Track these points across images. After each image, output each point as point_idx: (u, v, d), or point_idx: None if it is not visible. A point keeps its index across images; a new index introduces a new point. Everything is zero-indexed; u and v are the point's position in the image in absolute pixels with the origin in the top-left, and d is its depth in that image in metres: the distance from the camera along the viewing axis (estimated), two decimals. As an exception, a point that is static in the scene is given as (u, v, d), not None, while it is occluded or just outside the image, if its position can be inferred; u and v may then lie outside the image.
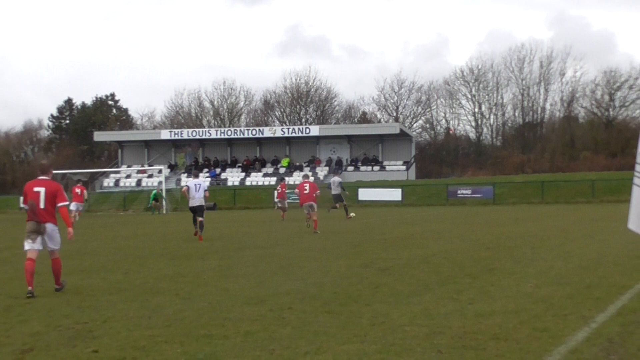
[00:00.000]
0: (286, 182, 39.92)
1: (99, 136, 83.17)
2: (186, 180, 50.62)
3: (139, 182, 73.39)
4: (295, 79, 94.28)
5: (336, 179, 37.48)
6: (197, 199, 22.23)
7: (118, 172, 75.89)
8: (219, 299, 10.11)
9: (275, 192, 38.06)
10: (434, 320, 8.20)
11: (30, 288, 10.61)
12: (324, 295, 10.21)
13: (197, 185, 22.46)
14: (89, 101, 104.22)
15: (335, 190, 36.12)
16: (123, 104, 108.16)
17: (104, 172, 76.86)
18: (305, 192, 25.25)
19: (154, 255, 17.30)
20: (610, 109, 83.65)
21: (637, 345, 6.71)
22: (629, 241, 16.12)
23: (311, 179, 33.17)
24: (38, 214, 10.90)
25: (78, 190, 36.27)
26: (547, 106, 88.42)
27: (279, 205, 37.73)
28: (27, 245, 10.97)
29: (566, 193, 52.01)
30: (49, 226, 10.99)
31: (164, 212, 51.54)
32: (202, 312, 9.06)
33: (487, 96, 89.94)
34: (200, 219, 21.82)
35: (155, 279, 12.60)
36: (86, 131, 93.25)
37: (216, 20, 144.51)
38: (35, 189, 11.03)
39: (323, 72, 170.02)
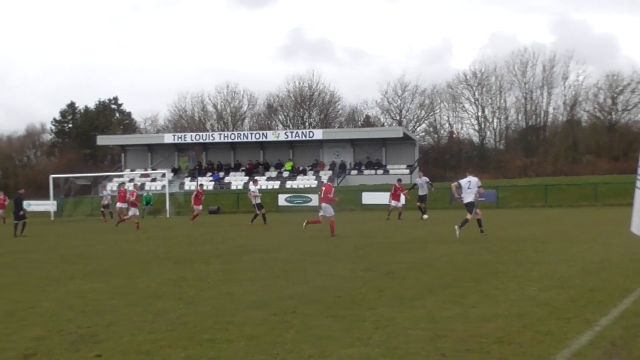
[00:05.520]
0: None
1: (102, 140, 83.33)
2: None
3: (142, 186, 73.46)
4: (299, 83, 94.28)
5: (424, 178, 36.66)
6: None
7: (121, 176, 75.85)
8: (222, 302, 10.10)
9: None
10: (438, 323, 8.19)
11: None
12: (328, 299, 10.20)
13: None
14: (92, 105, 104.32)
15: (423, 191, 35.65)
16: (126, 107, 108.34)
17: (107, 176, 76.86)
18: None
19: (157, 259, 17.28)
20: (613, 113, 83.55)
21: (640, 349, 6.70)
22: (632, 244, 16.08)
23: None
24: None
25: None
26: (550, 110, 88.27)
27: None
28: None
29: (569, 196, 51.90)
30: None
31: (167, 215, 51.57)
32: (205, 316, 9.05)
33: (490, 100, 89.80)
34: None
35: (159, 283, 12.58)
36: (89, 135, 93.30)
37: (219, 23, 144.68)
38: None
39: (326, 75, 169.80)
